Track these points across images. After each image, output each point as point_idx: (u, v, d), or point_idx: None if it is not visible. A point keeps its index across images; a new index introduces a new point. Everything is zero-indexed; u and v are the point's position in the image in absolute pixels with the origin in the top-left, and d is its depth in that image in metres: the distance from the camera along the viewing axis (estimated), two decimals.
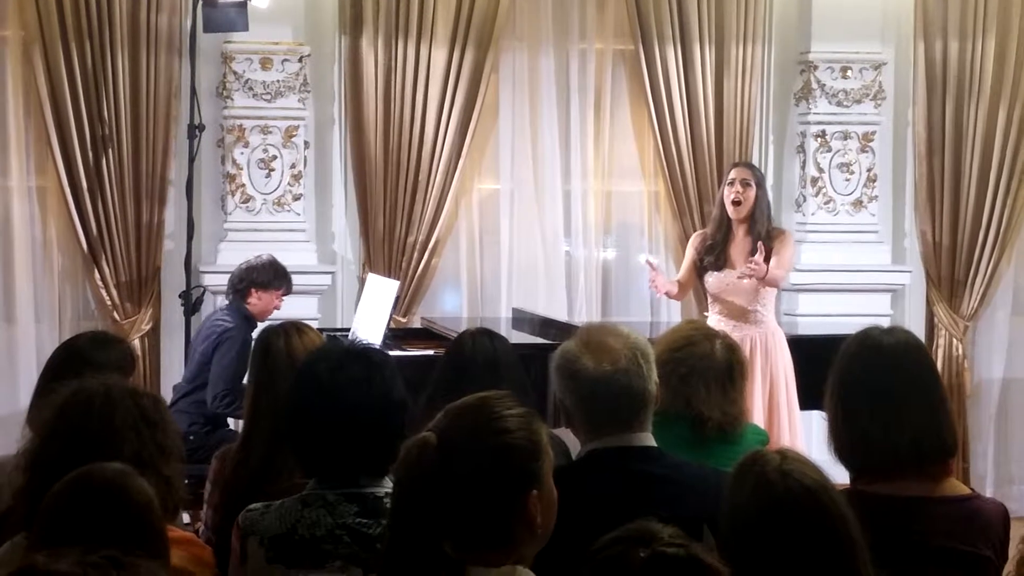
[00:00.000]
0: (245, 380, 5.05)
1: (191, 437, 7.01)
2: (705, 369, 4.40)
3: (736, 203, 7.43)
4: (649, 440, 3.66)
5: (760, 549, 2.92)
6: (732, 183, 7.47)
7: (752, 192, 7.44)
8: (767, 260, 7.28)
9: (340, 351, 3.65)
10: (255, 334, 5.48)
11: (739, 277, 7.36)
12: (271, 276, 7.71)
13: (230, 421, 7.77)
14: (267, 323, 4.67)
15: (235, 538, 3.50)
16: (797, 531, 2.92)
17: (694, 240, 7.71)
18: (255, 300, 7.68)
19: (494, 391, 3.00)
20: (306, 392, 3.52)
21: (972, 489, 3.91)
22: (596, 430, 3.64)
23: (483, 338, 4.90)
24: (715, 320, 7.38)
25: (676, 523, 2.56)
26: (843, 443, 3.64)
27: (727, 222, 7.52)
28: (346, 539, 3.38)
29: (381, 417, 3.44)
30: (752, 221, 7.45)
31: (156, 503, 2.95)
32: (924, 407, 3.65)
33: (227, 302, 7.81)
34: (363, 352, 3.61)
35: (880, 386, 3.65)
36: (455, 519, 2.77)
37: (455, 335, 5.13)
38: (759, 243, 7.35)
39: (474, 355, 4.81)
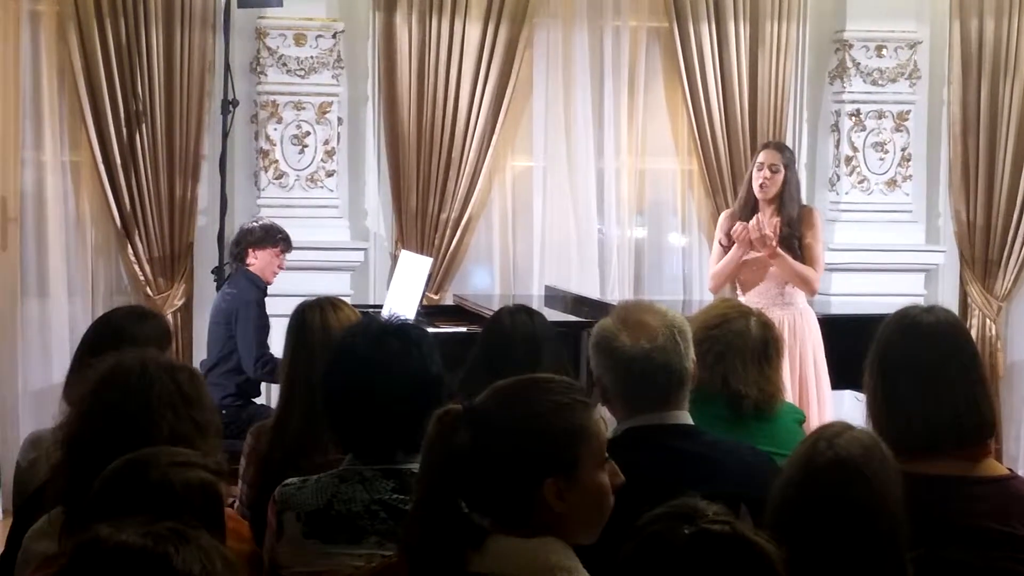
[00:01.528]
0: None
1: (224, 411, 7.04)
2: (741, 347, 4.38)
3: (763, 186, 7.40)
4: (686, 418, 3.66)
5: (797, 513, 2.93)
6: (761, 167, 7.43)
7: (780, 176, 7.39)
8: (800, 246, 7.30)
9: (378, 326, 3.65)
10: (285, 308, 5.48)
11: (769, 256, 7.31)
12: (263, 234, 7.84)
13: (262, 395, 7.83)
14: (302, 298, 4.64)
15: (271, 513, 3.51)
16: (831, 500, 2.94)
17: (722, 223, 7.65)
18: (253, 260, 7.79)
19: (547, 375, 2.96)
20: (344, 367, 3.52)
21: (1010, 469, 3.89)
22: (633, 408, 3.63)
23: (521, 315, 4.89)
24: (745, 301, 7.35)
25: (713, 501, 2.56)
26: (882, 422, 3.62)
27: (753, 202, 7.48)
28: (382, 515, 3.38)
29: (419, 393, 3.44)
30: (781, 203, 7.42)
31: (215, 493, 2.93)
32: (964, 386, 3.64)
33: (231, 273, 7.93)
34: (401, 328, 3.61)
35: (920, 365, 3.63)
36: (473, 491, 2.77)
37: (488, 313, 5.13)
38: (775, 224, 7.31)
39: (513, 332, 4.80)
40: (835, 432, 3.06)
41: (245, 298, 7.68)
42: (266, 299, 7.79)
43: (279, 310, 6.99)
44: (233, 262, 7.91)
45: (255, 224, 7.96)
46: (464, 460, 2.76)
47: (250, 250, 7.79)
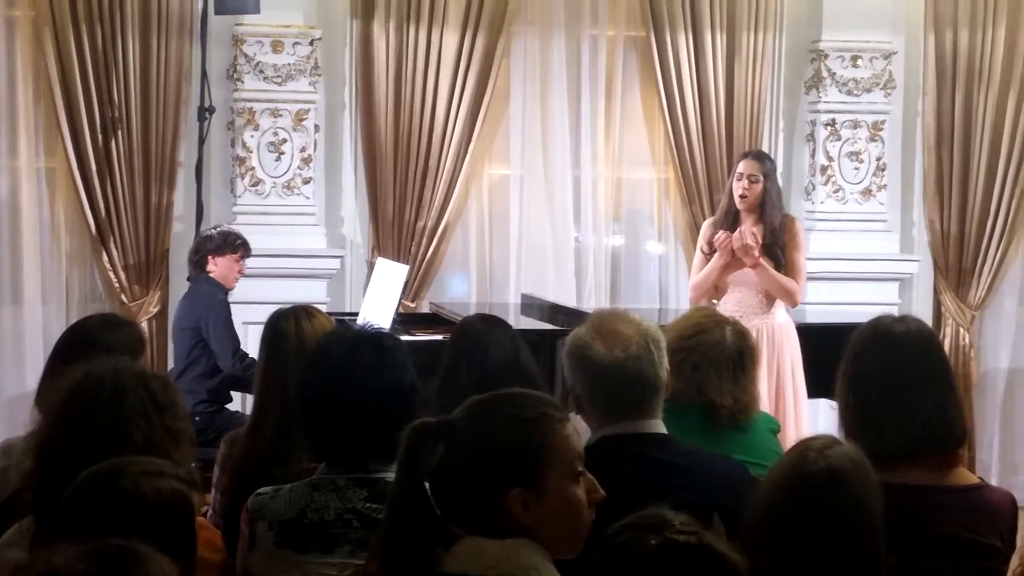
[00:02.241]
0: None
1: (197, 418, 7.03)
2: (716, 356, 4.39)
3: (743, 197, 7.43)
4: (660, 427, 3.67)
5: (785, 523, 2.95)
6: (740, 177, 7.46)
7: (759, 186, 7.42)
8: (782, 256, 7.33)
9: (352, 335, 3.65)
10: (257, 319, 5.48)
11: (752, 266, 7.34)
12: (222, 241, 7.85)
13: (234, 400, 7.83)
14: (278, 306, 4.64)
15: (244, 522, 3.51)
16: (823, 510, 2.95)
17: (704, 231, 7.68)
18: (213, 267, 7.81)
19: (525, 390, 3.00)
20: (318, 375, 3.52)
21: (981, 478, 3.91)
22: (607, 416, 3.64)
23: (479, 323, 4.91)
24: (723, 309, 7.37)
25: (686, 510, 2.57)
26: (854, 431, 3.64)
27: (735, 212, 7.51)
28: (355, 524, 3.38)
29: (392, 401, 3.44)
30: (762, 212, 7.45)
31: (186, 502, 2.92)
32: (936, 396, 3.66)
33: (189, 284, 7.95)
34: (375, 336, 3.61)
35: (892, 374, 3.66)
36: (444, 501, 2.79)
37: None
38: (752, 232, 7.34)
39: (477, 342, 4.79)
40: (825, 444, 3.07)
41: (210, 301, 7.71)
42: (236, 305, 7.81)
43: (255, 317, 6.99)
44: (193, 270, 7.90)
45: (213, 231, 7.95)
46: (434, 471, 2.79)
47: (210, 257, 7.80)
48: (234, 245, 7.85)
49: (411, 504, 2.79)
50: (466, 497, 2.79)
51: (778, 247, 7.38)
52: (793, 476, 3.01)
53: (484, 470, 2.78)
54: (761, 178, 7.43)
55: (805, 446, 3.07)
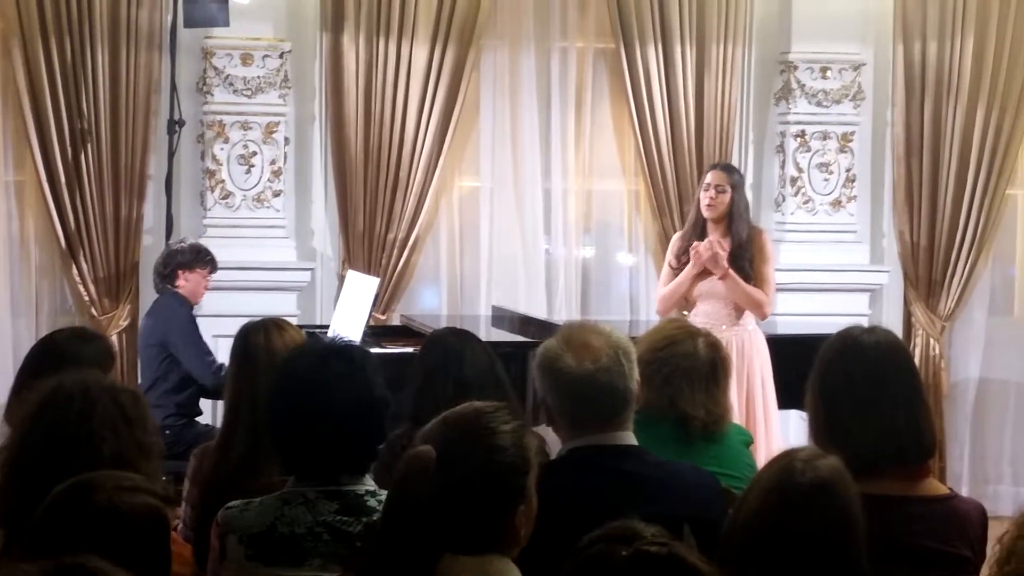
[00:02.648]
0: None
1: (167, 431, 7.01)
2: (688, 368, 4.39)
3: (710, 206, 7.46)
4: (630, 439, 3.67)
5: (772, 534, 2.97)
6: (708, 187, 7.50)
7: (727, 197, 7.46)
8: (751, 268, 7.36)
9: (321, 348, 3.65)
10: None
11: (720, 276, 7.37)
12: (193, 256, 7.80)
13: (204, 413, 7.80)
14: (248, 319, 4.63)
15: (214, 536, 3.50)
16: (813, 521, 2.97)
17: (673, 245, 7.71)
18: (183, 282, 7.76)
19: (488, 403, 3.02)
20: (287, 389, 3.51)
21: (951, 489, 3.93)
22: (577, 428, 3.64)
23: (450, 337, 4.90)
24: (692, 321, 7.38)
25: (656, 521, 2.57)
26: (824, 442, 3.64)
27: (702, 223, 7.54)
28: (326, 537, 3.38)
29: (362, 415, 3.44)
30: (729, 223, 7.48)
31: (161, 518, 2.91)
32: (905, 407, 3.68)
33: (156, 295, 7.89)
34: (344, 349, 3.60)
35: (861, 385, 3.67)
36: (445, 528, 2.80)
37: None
38: (719, 243, 7.38)
39: (448, 355, 4.78)
40: (810, 455, 3.08)
41: (175, 319, 7.64)
42: (206, 318, 7.80)
43: (225, 330, 6.96)
44: (160, 283, 7.85)
45: (182, 245, 7.88)
46: (433, 500, 2.79)
47: (181, 272, 7.74)
48: (204, 261, 7.82)
49: (403, 530, 2.80)
50: (470, 520, 2.82)
51: (746, 259, 7.41)
52: (780, 488, 3.01)
53: (495, 494, 2.84)
54: (728, 189, 7.47)
55: (790, 458, 3.07)
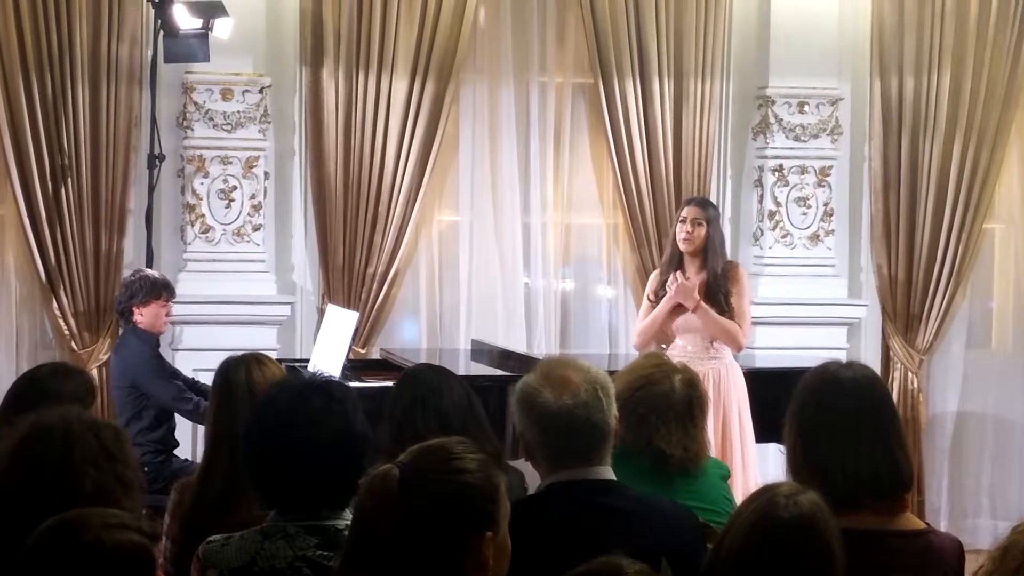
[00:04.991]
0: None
1: (146, 468, 7.00)
2: (665, 408, 4.40)
3: (685, 240, 7.50)
4: (609, 473, 3.69)
5: (755, 569, 2.99)
6: (684, 221, 7.54)
7: (702, 231, 7.50)
8: (726, 302, 7.39)
9: (301, 383, 3.66)
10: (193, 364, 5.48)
11: (692, 309, 7.40)
12: (145, 289, 7.72)
13: (181, 445, 7.78)
14: (228, 354, 4.64)
15: (195, 570, 3.50)
16: (796, 555, 3.00)
17: (651, 281, 7.75)
18: (140, 316, 7.70)
19: (457, 437, 3.02)
20: (266, 424, 3.51)
21: (927, 523, 3.95)
22: (556, 463, 3.66)
23: (427, 372, 4.90)
24: (670, 355, 7.39)
25: (636, 556, 2.59)
26: (801, 476, 3.66)
27: (679, 257, 7.58)
28: (306, 571, 3.38)
29: (342, 449, 3.44)
30: (704, 257, 7.52)
31: (147, 556, 2.91)
32: (882, 441, 3.70)
33: (120, 332, 7.90)
34: (324, 385, 3.61)
35: (838, 420, 3.69)
36: (409, 551, 2.78)
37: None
38: (700, 279, 7.42)
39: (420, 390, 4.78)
40: (792, 491, 3.09)
41: (139, 360, 7.61)
42: (186, 352, 7.78)
43: (205, 364, 6.96)
44: (120, 319, 7.85)
45: (133, 279, 7.80)
46: (397, 520, 2.78)
47: (135, 308, 7.68)
48: (157, 292, 7.74)
49: (366, 551, 2.79)
50: (435, 542, 2.78)
51: (721, 293, 7.44)
52: (763, 523, 3.02)
53: (460, 514, 2.80)
54: (704, 223, 7.51)
55: (772, 493, 3.09)
